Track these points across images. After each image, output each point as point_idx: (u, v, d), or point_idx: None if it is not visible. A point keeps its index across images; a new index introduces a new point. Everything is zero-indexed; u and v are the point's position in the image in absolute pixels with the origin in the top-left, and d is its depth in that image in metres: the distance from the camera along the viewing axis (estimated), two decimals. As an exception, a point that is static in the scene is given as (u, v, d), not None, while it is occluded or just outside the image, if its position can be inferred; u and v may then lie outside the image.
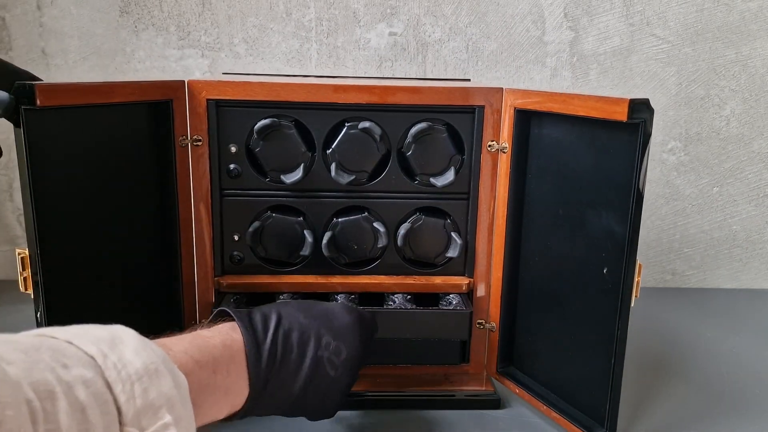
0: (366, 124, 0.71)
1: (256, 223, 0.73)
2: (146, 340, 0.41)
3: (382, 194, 0.74)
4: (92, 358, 0.36)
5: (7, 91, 0.53)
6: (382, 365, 0.77)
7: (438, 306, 0.76)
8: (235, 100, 0.70)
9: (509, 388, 0.76)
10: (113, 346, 0.37)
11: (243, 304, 0.76)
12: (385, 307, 0.74)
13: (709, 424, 0.73)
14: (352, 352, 0.57)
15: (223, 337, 0.51)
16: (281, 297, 0.75)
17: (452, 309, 0.74)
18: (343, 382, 0.57)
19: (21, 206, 0.62)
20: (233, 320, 0.54)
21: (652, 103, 0.56)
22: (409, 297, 0.77)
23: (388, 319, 0.71)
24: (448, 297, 0.78)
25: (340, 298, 0.76)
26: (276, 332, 0.54)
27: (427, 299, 0.77)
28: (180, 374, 0.40)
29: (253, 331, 0.53)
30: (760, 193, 1.17)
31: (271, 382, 0.52)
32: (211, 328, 0.53)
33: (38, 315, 0.58)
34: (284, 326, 0.55)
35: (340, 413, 0.72)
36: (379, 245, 0.75)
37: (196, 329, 0.52)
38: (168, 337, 0.49)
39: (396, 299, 0.76)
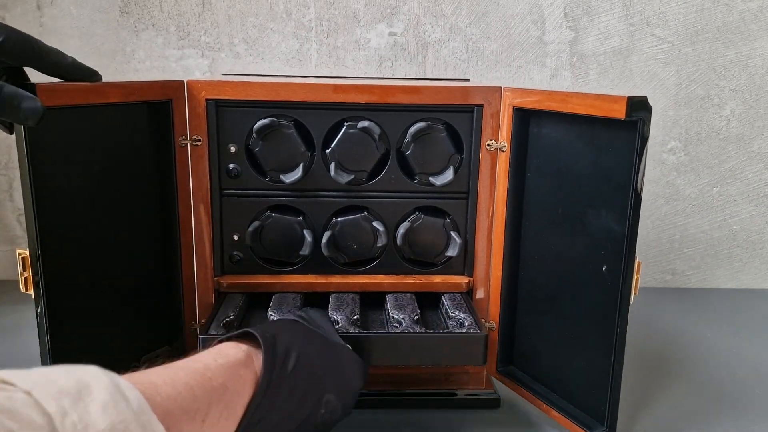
0: (365, 123, 0.71)
1: (256, 223, 0.73)
2: (122, 386, 0.35)
3: (382, 194, 0.74)
4: (50, 416, 0.30)
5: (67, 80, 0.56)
6: (381, 365, 0.77)
7: (447, 326, 0.71)
8: (235, 100, 0.70)
9: (509, 388, 0.75)
10: (77, 400, 0.32)
11: (241, 310, 0.74)
12: (390, 331, 0.69)
13: (709, 423, 0.73)
14: (345, 411, 0.56)
15: (229, 376, 0.47)
16: (291, 299, 0.75)
17: (465, 332, 0.68)
18: (329, 426, 0.56)
19: (21, 206, 0.62)
20: (249, 343, 0.52)
21: (652, 103, 0.56)
22: (416, 317, 0.70)
23: (394, 344, 0.67)
24: (457, 316, 0.72)
25: (338, 312, 0.72)
26: (291, 376, 0.51)
27: (434, 316, 0.77)
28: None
29: (271, 369, 0.50)
30: (759, 193, 1.17)
31: (262, 423, 0.49)
32: (221, 358, 0.49)
33: (38, 315, 0.58)
34: (299, 371, 0.52)
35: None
36: (379, 245, 0.75)
37: (203, 358, 0.49)
38: (165, 366, 0.44)
39: (402, 321, 0.70)
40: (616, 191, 0.60)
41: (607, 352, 0.62)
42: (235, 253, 0.75)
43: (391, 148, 0.73)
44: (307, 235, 0.74)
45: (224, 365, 0.48)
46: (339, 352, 0.58)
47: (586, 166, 0.64)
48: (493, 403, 0.75)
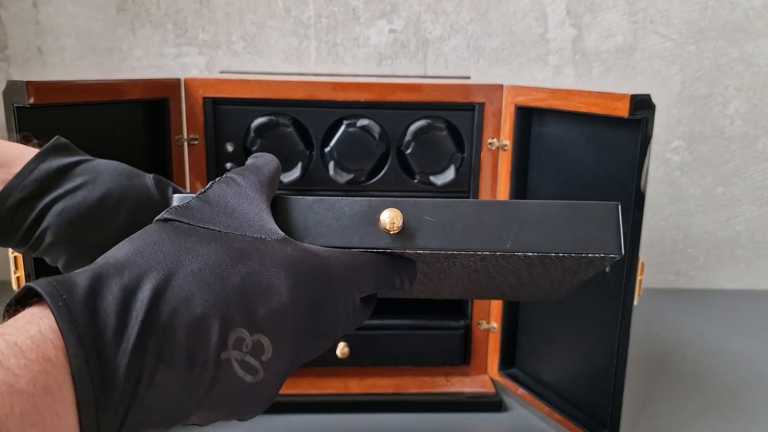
0: (364, 122, 0.70)
1: (254, 223, 0.73)
2: None
3: (382, 193, 0.73)
4: None
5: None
6: (382, 366, 0.77)
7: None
8: (233, 99, 0.69)
9: (511, 390, 0.75)
10: None
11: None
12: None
13: (713, 425, 0.72)
14: (285, 347, 0.33)
15: (29, 368, 0.25)
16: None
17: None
18: (266, 389, 0.34)
19: (13, 205, 0.61)
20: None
21: (656, 102, 0.55)
22: None
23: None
24: None
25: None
26: (143, 333, 0.28)
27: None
28: None
29: (94, 338, 0.27)
30: (764, 193, 1.16)
31: (132, 412, 0.28)
32: (12, 336, 0.26)
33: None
34: (163, 312, 0.29)
35: (338, 417, 0.72)
36: (379, 245, 0.74)
37: None
38: None
39: None
40: (619, 190, 0.59)
41: (610, 354, 0.61)
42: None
43: (391, 147, 0.72)
44: (306, 236, 0.73)
45: (15, 342, 0.26)
46: (254, 254, 0.33)
47: (588, 165, 0.63)
48: (495, 405, 0.74)
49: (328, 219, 0.37)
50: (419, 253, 0.37)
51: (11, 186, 0.40)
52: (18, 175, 0.41)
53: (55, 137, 0.43)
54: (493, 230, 0.37)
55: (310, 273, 0.34)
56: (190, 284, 0.30)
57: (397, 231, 0.36)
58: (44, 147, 0.42)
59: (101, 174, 0.43)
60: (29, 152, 0.42)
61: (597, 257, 0.36)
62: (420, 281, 0.43)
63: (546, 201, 0.37)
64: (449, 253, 0.37)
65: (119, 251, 0.31)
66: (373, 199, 0.38)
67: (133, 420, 0.28)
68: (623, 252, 0.36)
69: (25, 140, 0.45)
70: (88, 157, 0.44)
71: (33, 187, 0.41)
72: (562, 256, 0.36)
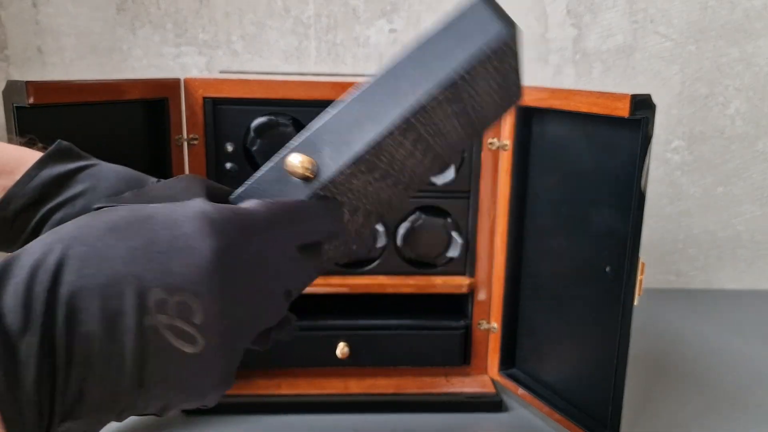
0: (365, 121, 0.70)
1: (254, 223, 0.72)
2: None
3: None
4: None
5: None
6: (381, 367, 0.76)
7: None
8: (233, 98, 0.69)
9: (511, 390, 0.75)
10: None
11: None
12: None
13: (713, 425, 0.72)
14: (216, 305, 0.30)
15: None
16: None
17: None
18: (215, 361, 0.30)
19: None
20: None
21: (656, 101, 0.55)
22: None
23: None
24: None
25: None
26: (48, 316, 0.26)
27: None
28: None
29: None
30: (764, 193, 1.16)
31: (57, 405, 0.26)
32: None
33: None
34: (63, 292, 0.26)
35: (336, 418, 0.71)
36: (379, 245, 0.74)
37: None
38: None
39: None
40: (620, 190, 0.59)
41: (610, 354, 0.61)
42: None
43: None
44: (306, 236, 0.73)
45: None
46: (165, 213, 0.31)
47: (589, 165, 0.63)
48: (495, 406, 0.74)
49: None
50: (347, 173, 0.36)
51: (12, 194, 0.40)
52: (18, 183, 0.40)
53: (57, 141, 0.42)
54: (393, 99, 0.35)
55: (228, 222, 0.31)
56: (90, 251, 0.28)
57: (312, 175, 0.35)
58: (46, 152, 0.42)
59: (102, 181, 0.42)
60: (32, 157, 0.42)
61: (492, 47, 0.34)
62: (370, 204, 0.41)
63: (419, 38, 0.35)
64: (373, 148, 0.35)
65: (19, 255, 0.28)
66: (274, 158, 0.37)
67: (63, 414, 0.27)
68: (508, 26, 0.34)
69: (29, 144, 0.45)
70: (91, 161, 0.43)
71: (33, 195, 0.40)
72: (469, 69, 0.35)
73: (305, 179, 0.35)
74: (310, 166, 0.35)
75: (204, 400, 0.32)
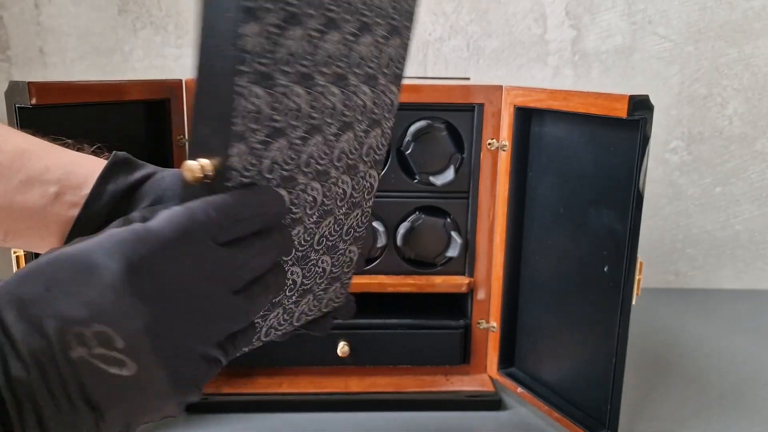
0: (365, 122, 0.70)
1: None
2: None
3: (381, 193, 0.74)
4: None
5: None
6: (381, 365, 0.77)
7: None
8: (233, 99, 0.69)
9: (510, 389, 0.75)
10: None
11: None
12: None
13: (711, 424, 0.72)
14: (133, 324, 0.29)
15: None
16: None
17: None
18: (155, 376, 0.30)
19: (16, 205, 0.61)
20: None
21: (654, 102, 0.56)
22: None
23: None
24: None
25: None
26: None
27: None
28: None
29: None
30: (763, 193, 1.16)
31: None
32: None
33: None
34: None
35: (336, 416, 0.72)
36: (379, 245, 0.74)
37: None
38: None
39: None
40: (618, 191, 0.59)
41: (609, 353, 0.61)
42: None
43: (391, 148, 0.72)
44: (306, 235, 0.73)
45: None
46: (75, 246, 0.31)
47: (587, 166, 0.63)
48: (494, 404, 0.74)
49: None
50: (246, 150, 0.33)
51: (87, 215, 0.40)
52: (88, 204, 0.40)
53: (113, 153, 0.42)
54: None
55: (138, 241, 0.31)
56: (12, 299, 0.28)
57: (211, 173, 0.33)
58: (106, 165, 0.41)
59: (166, 191, 0.41)
60: (91, 168, 0.41)
61: None
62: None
63: None
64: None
65: None
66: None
67: None
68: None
69: (96, 152, 0.45)
70: (150, 169, 0.42)
71: (107, 213, 0.40)
72: None
73: (205, 180, 0.33)
74: (202, 168, 0.33)
75: (164, 412, 0.32)
